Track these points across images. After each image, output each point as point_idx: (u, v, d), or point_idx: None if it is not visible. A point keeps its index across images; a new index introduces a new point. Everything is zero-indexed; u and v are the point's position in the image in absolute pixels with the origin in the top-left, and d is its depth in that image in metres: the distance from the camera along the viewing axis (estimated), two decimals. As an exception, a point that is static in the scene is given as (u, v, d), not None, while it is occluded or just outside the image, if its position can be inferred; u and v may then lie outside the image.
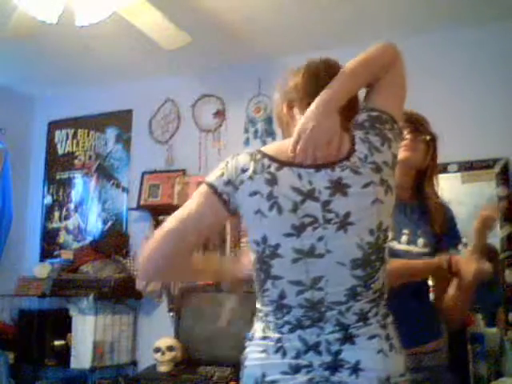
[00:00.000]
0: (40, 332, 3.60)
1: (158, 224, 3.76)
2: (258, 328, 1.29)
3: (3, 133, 4.04)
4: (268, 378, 1.21)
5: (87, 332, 3.42)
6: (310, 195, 1.22)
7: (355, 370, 1.18)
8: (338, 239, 1.22)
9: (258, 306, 1.30)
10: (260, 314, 1.29)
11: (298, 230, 1.21)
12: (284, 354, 1.21)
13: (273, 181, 1.23)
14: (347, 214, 1.22)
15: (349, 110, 1.33)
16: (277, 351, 1.22)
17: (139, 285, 3.61)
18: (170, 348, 3.16)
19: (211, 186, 1.27)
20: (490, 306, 2.79)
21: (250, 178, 1.24)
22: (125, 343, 3.63)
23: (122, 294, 3.60)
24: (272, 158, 1.26)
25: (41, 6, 2.40)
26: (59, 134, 4.33)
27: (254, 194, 1.23)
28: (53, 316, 3.67)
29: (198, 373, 3.02)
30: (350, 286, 1.22)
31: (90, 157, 4.19)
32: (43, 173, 4.33)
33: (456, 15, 3.11)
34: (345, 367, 1.18)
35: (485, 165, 3.07)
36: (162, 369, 3.16)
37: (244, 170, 1.25)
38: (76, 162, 4.23)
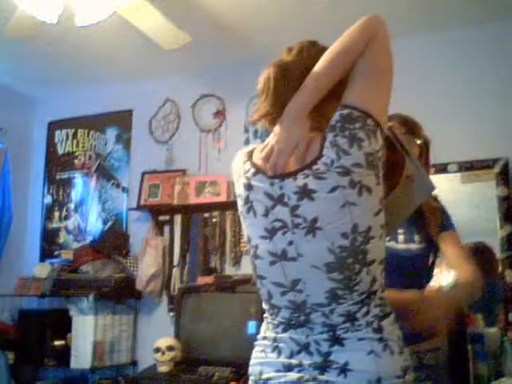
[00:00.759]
0: (40, 332, 3.60)
1: (158, 224, 3.77)
2: (263, 328, 1.35)
3: (3, 133, 4.04)
4: (264, 376, 1.27)
5: (87, 332, 3.42)
6: (280, 200, 1.24)
7: (343, 370, 1.18)
8: (307, 243, 1.22)
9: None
10: (264, 315, 1.35)
11: (270, 233, 1.26)
12: (279, 354, 1.26)
13: (249, 186, 1.30)
14: (315, 219, 1.21)
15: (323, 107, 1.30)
16: (273, 351, 1.28)
17: (139, 285, 3.62)
18: (170, 348, 3.16)
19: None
20: (489, 305, 2.79)
21: (236, 180, 1.34)
22: (125, 343, 3.63)
23: (122, 294, 3.60)
24: (252, 163, 1.32)
25: (41, 6, 2.40)
26: (59, 134, 4.32)
27: (238, 196, 1.34)
28: (53, 316, 3.67)
29: (197, 373, 3.02)
30: (329, 288, 1.22)
31: (90, 157, 4.19)
32: (43, 173, 4.33)
33: (455, 15, 3.11)
34: (333, 367, 1.19)
35: (485, 165, 3.07)
36: (162, 369, 3.15)
37: (236, 171, 1.36)
38: (76, 161, 4.23)
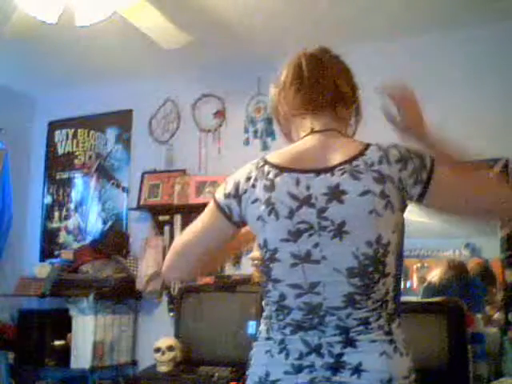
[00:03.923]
0: (40, 332, 3.60)
1: (158, 224, 3.77)
2: (263, 328, 1.32)
3: (3, 133, 4.04)
4: (271, 378, 1.24)
5: (87, 332, 3.42)
6: (306, 202, 1.23)
7: (357, 370, 1.19)
8: (333, 247, 1.22)
9: (264, 307, 1.34)
10: (264, 315, 1.33)
11: (294, 235, 1.23)
12: (287, 355, 1.24)
13: (271, 187, 1.26)
14: (342, 223, 1.22)
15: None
16: (280, 352, 1.25)
17: (139, 285, 3.62)
18: (170, 348, 3.16)
19: (215, 201, 1.36)
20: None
21: (253, 186, 1.29)
22: (125, 343, 3.63)
23: (122, 294, 3.60)
24: (272, 165, 1.29)
25: (41, 6, 2.40)
26: (59, 134, 4.32)
27: (255, 201, 1.28)
28: (53, 316, 3.67)
29: (197, 373, 3.02)
30: (347, 293, 1.22)
31: (90, 157, 4.18)
32: (43, 173, 4.33)
33: (455, 15, 3.11)
34: (346, 368, 1.19)
35: (485, 165, 3.07)
36: (162, 369, 3.15)
37: (247, 179, 1.31)
38: (76, 161, 4.23)
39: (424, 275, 3.18)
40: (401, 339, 1.26)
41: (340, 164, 1.25)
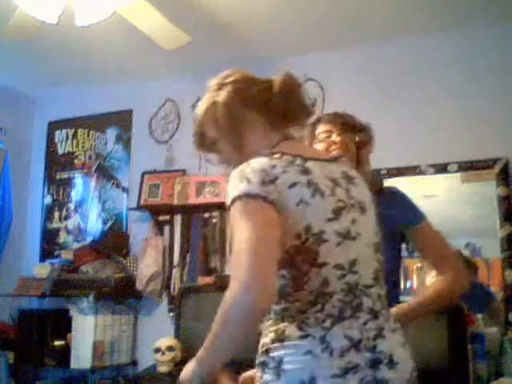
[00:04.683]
0: (40, 332, 3.60)
1: (158, 224, 3.77)
2: (288, 327, 1.20)
3: (3, 133, 4.04)
4: (317, 383, 1.14)
5: (87, 332, 3.42)
6: (336, 183, 1.28)
7: (391, 363, 1.19)
8: (362, 223, 1.28)
9: (283, 304, 1.22)
10: (289, 312, 1.21)
11: (337, 213, 1.24)
12: (331, 354, 1.16)
13: (306, 171, 1.24)
14: (362, 202, 1.31)
15: None
16: (323, 351, 1.16)
17: (139, 285, 3.62)
18: (170, 348, 3.16)
19: (250, 195, 1.17)
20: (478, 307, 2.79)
21: (284, 171, 1.21)
22: (125, 343, 3.63)
23: (122, 294, 3.60)
24: (293, 155, 1.27)
25: (41, 6, 2.40)
26: (59, 134, 4.33)
27: (294, 185, 1.20)
28: (53, 316, 3.67)
29: (197, 373, 3.02)
30: (374, 269, 1.27)
31: (90, 157, 4.19)
32: (43, 173, 4.33)
33: (455, 16, 3.11)
34: (383, 363, 1.18)
35: (485, 165, 3.07)
36: (162, 369, 3.15)
37: (273, 167, 1.21)
38: (76, 161, 4.23)
39: (424, 275, 3.19)
40: None
41: (336, 158, 1.39)
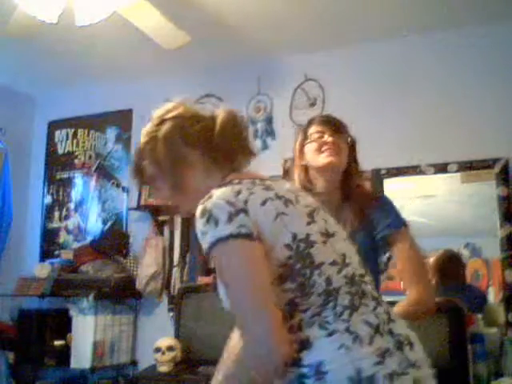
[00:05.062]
0: (40, 332, 3.60)
1: (158, 224, 3.77)
2: (309, 333, 1.17)
3: (3, 133, 4.04)
4: (365, 374, 1.12)
5: (87, 332, 3.42)
6: (293, 192, 1.30)
7: (411, 345, 1.21)
8: (331, 221, 1.32)
9: (296, 318, 1.19)
10: (304, 321, 1.19)
11: (311, 216, 1.26)
12: (361, 343, 1.15)
13: (268, 187, 1.25)
14: (317, 205, 1.32)
15: None
16: (354, 341, 1.15)
17: (139, 285, 3.62)
18: (170, 348, 3.16)
19: (222, 239, 1.14)
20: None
21: (251, 193, 1.21)
22: (125, 343, 3.63)
23: (122, 294, 3.60)
24: (247, 179, 1.28)
25: (41, 6, 2.40)
26: (59, 134, 4.32)
27: (265, 201, 1.20)
28: (53, 316, 3.67)
29: (198, 373, 3.02)
30: (358, 259, 1.31)
31: (90, 157, 4.19)
32: (43, 173, 4.33)
33: (455, 15, 3.11)
34: (405, 343, 1.20)
35: (485, 165, 3.07)
36: (162, 369, 3.15)
37: (238, 193, 1.20)
38: (76, 161, 4.23)
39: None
40: None
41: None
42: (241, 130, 1.38)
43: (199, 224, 1.18)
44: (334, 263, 1.22)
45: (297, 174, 1.97)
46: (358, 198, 1.92)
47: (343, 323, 1.17)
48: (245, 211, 1.17)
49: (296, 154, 1.98)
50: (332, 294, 1.20)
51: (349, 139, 1.96)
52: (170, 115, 1.37)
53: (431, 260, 3.10)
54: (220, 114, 1.37)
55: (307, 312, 1.19)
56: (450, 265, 3.10)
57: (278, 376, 1.14)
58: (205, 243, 1.16)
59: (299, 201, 1.27)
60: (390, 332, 1.20)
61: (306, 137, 1.96)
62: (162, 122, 1.36)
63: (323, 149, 1.90)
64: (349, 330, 1.16)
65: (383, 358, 1.14)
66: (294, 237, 1.20)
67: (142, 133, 1.39)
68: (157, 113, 1.40)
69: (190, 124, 1.35)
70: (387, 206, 1.90)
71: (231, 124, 1.36)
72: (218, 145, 1.33)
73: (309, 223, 1.24)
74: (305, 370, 1.14)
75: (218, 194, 1.19)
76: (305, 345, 1.17)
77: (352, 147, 1.98)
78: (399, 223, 1.84)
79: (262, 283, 1.14)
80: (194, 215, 1.21)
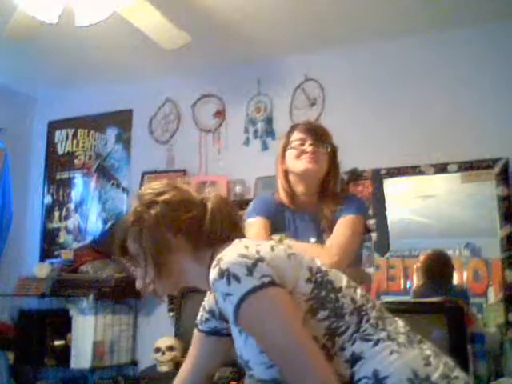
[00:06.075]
0: (40, 332, 3.60)
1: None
2: (354, 349, 1.19)
3: (3, 133, 4.04)
4: (422, 375, 1.14)
5: (87, 332, 3.42)
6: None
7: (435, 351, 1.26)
8: None
9: (339, 341, 1.21)
10: (346, 342, 1.21)
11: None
12: (404, 345, 1.20)
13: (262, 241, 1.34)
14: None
15: None
16: (399, 346, 1.19)
17: (139, 285, 3.61)
18: (170, 348, 3.16)
19: (256, 289, 1.14)
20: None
21: (257, 244, 1.24)
22: (125, 343, 3.63)
23: (122, 294, 3.60)
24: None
25: (41, 6, 2.40)
26: (59, 134, 4.32)
27: (273, 248, 1.25)
28: (53, 316, 3.67)
29: (197, 373, 3.02)
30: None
31: (90, 157, 4.19)
32: (43, 173, 4.33)
33: (455, 15, 3.11)
34: (434, 350, 1.25)
35: (485, 165, 3.07)
36: (162, 369, 3.16)
37: (247, 247, 1.22)
38: (76, 161, 4.23)
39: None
40: None
41: None
42: (230, 212, 1.37)
43: (220, 287, 1.16)
44: (347, 285, 1.28)
45: (279, 178, 2.09)
46: (331, 198, 2.04)
47: (383, 332, 1.22)
48: (261, 260, 1.18)
49: (278, 159, 2.09)
50: (361, 311, 1.24)
51: (329, 148, 2.05)
52: (160, 198, 1.32)
53: (420, 259, 3.13)
54: (210, 199, 1.35)
55: (346, 333, 1.21)
56: (437, 265, 3.11)
57: None
58: (231, 304, 1.15)
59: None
60: (420, 340, 1.25)
61: (288, 142, 2.06)
62: (151, 204, 1.32)
63: (302, 157, 2.01)
64: (390, 337, 1.21)
65: (428, 360, 1.18)
66: (310, 269, 1.25)
67: (130, 209, 1.37)
68: (147, 191, 1.36)
69: (179, 212, 1.31)
70: (351, 201, 2.06)
71: (221, 209, 1.35)
72: (208, 231, 1.32)
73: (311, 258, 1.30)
74: (363, 382, 1.16)
75: (228, 253, 1.20)
76: (354, 360, 1.18)
77: (332, 154, 2.07)
78: (351, 212, 1.99)
79: (299, 326, 1.15)
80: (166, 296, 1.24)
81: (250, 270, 1.15)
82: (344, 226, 1.96)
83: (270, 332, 1.15)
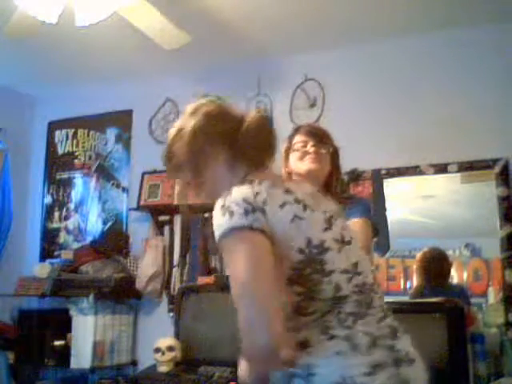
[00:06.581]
0: (40, 332, 3.60)
1: (158, 224, 3.76)
2: (309, 335, 1.21)
3: (3, 133, 4.04)
4: (350, 382, 1.15)
5: (87, 332, 3.42)
6: (314, 197, 1.33)
7: (410, 362, 1.22)
8: (348, 228, 1.35)
9: (299, 319, 1.23)
10: (306, 324, 1.23)
11: (328, 222, 1.28)
12: (358, 352, 1.18)
13: (289, 191, 1.27)
14: (337, 211, 1.36)
15: None
16: (351, 349, 1.18)
17: (139, 285, 3.62)
18: (170, 348, 3.16)
19: (235, 228, 1.19)
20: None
21: (270, 194, 1.23)
22: (125, 343, 3.62)
23: (122, 294, 3.60)
24: (270, 181, 1.28)
25: (41, 6, 2.40)
26: (59, 134, 4.32)
27: (284, 204, 1.23)
28: (53, 316, 3.67)
29: (198, 373, 3.02)
30: (371, 269, 1.35)
31: (90, 157, 4.18)
32: (43, 173, 4.33)
33: (455, 16, 3.11)
34: (404, 360, 1.21)
35: (485, 165, 3.07)
36: (162, 369, 3.15)
37: (257, 194, 1.22)
38: (76, 161, 4.23)
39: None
40: None
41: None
42: (267, 134, 1.41)
43: (216, 218, 1.24)
44: (345, 271, 1.25)
45: None
46: (334, 199, 2.04)
47: (344, 330, 1.20)
48: (263, 211, 1.20)
49: (281, 163, 2.13)
50: (339, 301, 1.23)
51: (331, 149, 2.11)
52: (201, 110, 1.41)
53: (417, 257, 3.13)
54: (250, 116, 1.41)
55: (311, 316, 1.22)
56: (435, 263, 3.12)
57: (271, 366, 1.17)
58: (218, 233, 1.22)
59: (319, 206, 1.30)
60: (391, 347, 1.21)
61: (290, 145, 2.12)
62: (192, 115, 1.42)
63: (305, 158, 2.07)
64: (348, 338, 1.19)
65: (374, 370, 1.16)
66: (309, 242, 1.23)
67: (175, 124, 1.45)
68: (191, 105, 1.46)
69: (216, 123, 1.39)
70: (357, 203, 2.09)
71: (259, 128, 1.39)
72: (242, 146, 1.37)
73: (325, 229, 1.26)
74: (298, 370, 1.19)
75: (238, 192, 1.23)
76: (303, 346, 1.20)
77: (334, 156, 2.13)
78: (358, 214, 2.01)
79: (267, 275, 1.16)
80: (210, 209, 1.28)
81: (247, 213, 1.19)
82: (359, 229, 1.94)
83: (240, 266, 1.16)
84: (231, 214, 1.20)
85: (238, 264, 1.16)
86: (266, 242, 1.19)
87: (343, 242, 1.28)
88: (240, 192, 1.23)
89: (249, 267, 1.15)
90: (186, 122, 1.41)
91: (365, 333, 1.20)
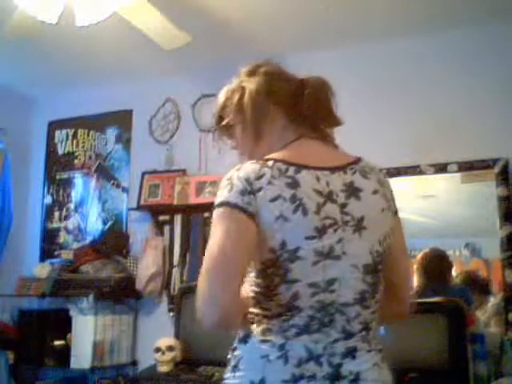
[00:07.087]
0: (40, 332, 3.60)
1: (158, 224, 3.77)
2: (254, 330, 1.23)
3: (3, 133, 4.04)
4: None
5: (87, 332, 3.42)
6: (329, 197, 1.22)
7: (355, 380, 1.18)
8: (353, 242, 1.23)
9: (255, 309, 1.24)
10: (259, 317, 1.24)
11: (320, 231, 1.19)
12: (286, 361, 1.17)
13: (294, 183, 1.19)
14: (361, 218, 1.24)
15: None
16: (279, 357, 1.18)
17: (139, 285, 3.62)
18: (170, 348, 3.16)
19: (229, 204, 1.19)
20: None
21: (269, 183, 1.19)
22: (125, 343, 3.63)
23: (121, 294, 3.60)
24: (287, 162, 1.23)
25: (41, 6, 2.40)
26: (59, 134, 4.32)
27: (276, 198, 1.18)
28: (53, 316, 3.67)
29: (198, 373, 3.02)
30: (360, 289, 1.23)
31: (90, 157, 4.18)
32: (43, 173, 4.33)
33: (455, 15, 3.11)
34: (346, 379, 1.18)
35: (484, 165, 3.07)
36: (162, 369, 3.15)
37: (260, 176, 1.20)
38: (76, 162, 4.23)
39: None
40: (383, 347, 1.29)
41: (349, 164, 1.31)
42: (328, 98, 1.37)
43: (221, 184, 1.24)
44: (312, 285, 1.18)
45: None
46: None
47: (282, 339, 1.19)
48: (255, 196, 1.18)
49: None
50: (291, 311, 1.19)
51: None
52: (260, 70, 1.39)
53: (417, 257, 3.13)
54: (310, 78, 1.39)
55: (265, 311, 1.23)
56: (435, 263, 3.12)
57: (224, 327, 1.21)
58: (216, 200, 1.23)
59: (323, 210, 1.20)
60: (336, 365, 1.18)
61: None
62: (251, 74, 1.40)
63: None
64: (282, 347, 1.18)
65: (297, 379, 1.16)
66: (283, 244, 1.18)
67: (227, 85, 1.46)
68: (247, 67, 1.44)
69: (278, 81, 1.37)
70: None
71: (319, 90, 1.37)
72: (301, 107, 1.34)
73: (309, 237, 1.18)
74: (231, 358, 1.26)
75: (246, 170, 1.22)
76: (245, 337, 1.24)
77: None
78: None
79: (240, 259, 1.16)
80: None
81: (243, 193, 1.19)
82: None
83: (213, 245, 1.17)
84: (231, 188, 1.20)
85: (216, 239, 1.17)
86: (250, 228, 1.17)
87: (328, 255, 1.19)
88: (248, 169, 1.22)
89: (225, 244, 1.15)
90: (245, 80, 1.38)
91: (306, 348, 1.18)
